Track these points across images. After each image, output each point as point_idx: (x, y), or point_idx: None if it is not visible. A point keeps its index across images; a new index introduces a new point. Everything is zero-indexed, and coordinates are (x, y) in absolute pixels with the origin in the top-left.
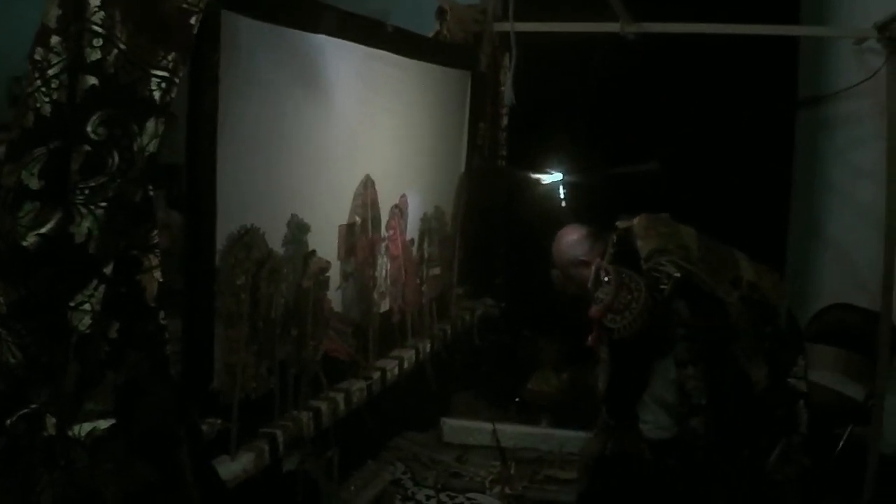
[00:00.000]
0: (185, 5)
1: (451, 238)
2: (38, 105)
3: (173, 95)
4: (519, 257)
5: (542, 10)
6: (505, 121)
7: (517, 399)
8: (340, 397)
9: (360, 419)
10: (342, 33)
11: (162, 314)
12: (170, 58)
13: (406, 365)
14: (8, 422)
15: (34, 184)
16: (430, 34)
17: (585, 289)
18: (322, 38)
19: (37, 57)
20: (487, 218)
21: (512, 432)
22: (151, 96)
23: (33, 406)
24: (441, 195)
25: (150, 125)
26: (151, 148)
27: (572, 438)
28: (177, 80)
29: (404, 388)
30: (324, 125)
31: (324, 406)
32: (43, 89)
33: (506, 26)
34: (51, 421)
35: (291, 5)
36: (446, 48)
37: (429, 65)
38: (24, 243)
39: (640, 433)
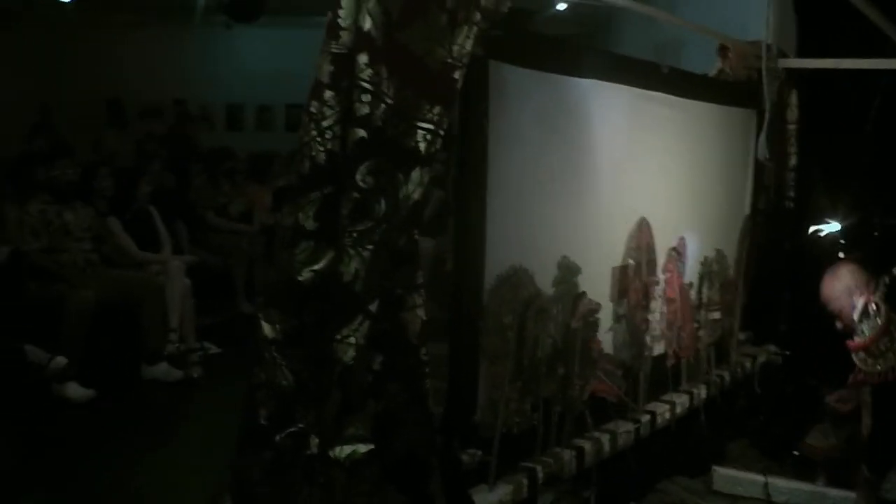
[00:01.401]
0: (449, 60)
1: (732, 282)
2: (313, 153)
3: (438, 146)
4: (806, 304)
5: (828, 46)
6: (793, 161)
7: (794, 453)
8: (606, 438)
9: (626, 461)
10: (613, 76)
11: (423, 350)
12: (435, 111)
13: (678, 409)
14: (277, 438)
15: (309, 225)
16: (713, 72)
17: (849, 323)
18: (591, 82)
19: (312, 109)
20: (773, 262)
21: (785, 487)
22: (417, 147)
23: (300, 426)
24: (723, 238)
25: (416, 174)
26: (416, 196)
27: (850, 500)
28: (442, 132)
29: (676, 432)
30: (594, 168)
31: (587, 445)
32: (318, 139)
33: (790, 63)
34: (314, 441)
35: (559, 52)
36: (727, 87)
37: (709, 104)
38: (300, 278)
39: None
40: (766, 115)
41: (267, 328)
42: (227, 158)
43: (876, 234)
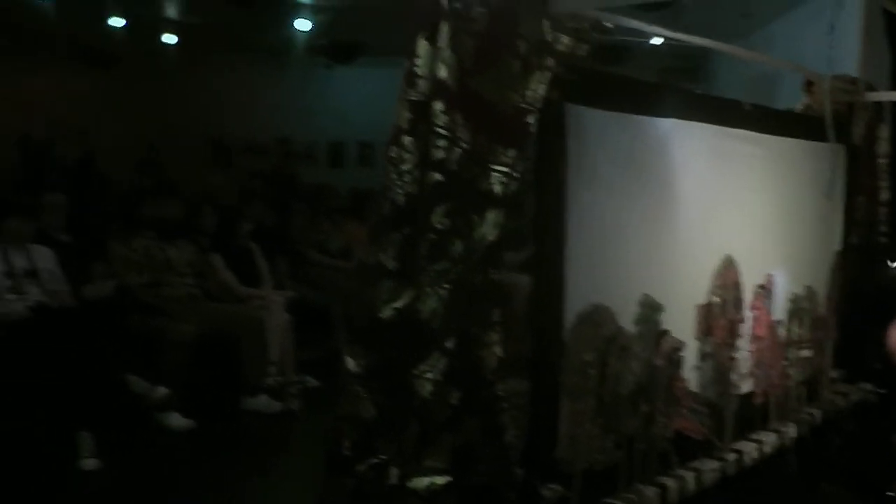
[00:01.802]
0: (522, 105)
1: (823, 319)
2: (393, 196)
3: (513, 189)
4: None
5: None
6: (885, 195)
7: (889, 494)
8: (690, 476)
9: (712, 500)
10: (694, 115)
11: (500, 386)
12: (509, 154)
13: (766, 448)
14: (359, 468)
15: (391, 264)
16: (799, 107)
17: None
18: (672, 121)
19: (392, 154)
20: (867, 299)
21: None
22: (491, 190)
23: (381, 457)
24: (813, 274)
25: (491, 216)
26: (491, 237)
27: None
28: (516, 175)
29: (766, 471)
30: (677, 206)
31: (671, 483)
32: (397, 182)
33: (880, 96)
34: (394, 472)
35: (637, 93)
36: (813, 122)
37: (795, 140)
38: (381, 315)
39: None
40: (833, 150)
41: (351, 362)
42: (327, 195)
43: None
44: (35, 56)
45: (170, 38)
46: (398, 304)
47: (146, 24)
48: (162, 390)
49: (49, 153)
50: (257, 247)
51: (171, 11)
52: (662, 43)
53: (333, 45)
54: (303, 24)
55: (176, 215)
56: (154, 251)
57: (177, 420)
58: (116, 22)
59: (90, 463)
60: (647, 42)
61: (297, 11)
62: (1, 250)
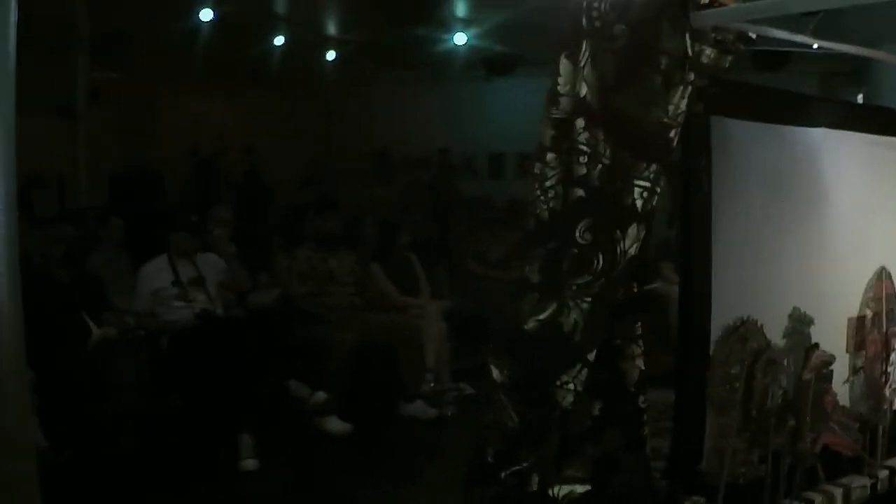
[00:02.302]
0: (665, 120)
1: None
2: (537, 211)
3: (654, 203)
4: None
5: None
6: None
7: None
8: (838, 492)
9: None
10: (844, 124)
11: (641, 398)
12: (651, 169)
13: None
14: (502, 475)
15: (534, 277)
16: None
17: None
18: (822, 131)
19: (536, 171)
20: None
21: None
22: (633, 204)
23: (524, 464)
24: None
25: (632, 230)
26: (633, 251)
27: None
28: (658, 189)
29: None
30: (828, 218)
31: (818, 498)
32: (542, 198)
33: None
34: (535, 479)
35: (782, 103)
36: None
37: None
38: (526, 327)
39: None
40: None
41: (496, 372)
42: (486, 206)
43: None
44: (201, 76)
45: (331, 56)
46: (542, 316)
47: (308, 42)
48: (321, 395)
49: (217, 169)
50: (416, 257)
51: (332, 30)
52: (818, 47)
53: (491, 58)
54: (460, 38)
55: (336, 227)
56: (316, 262)
57: (335, 424)
58: (278, 41)
59: (250, 463)
60: (810, 48)
61: (455, 26)
62: (168, 260)
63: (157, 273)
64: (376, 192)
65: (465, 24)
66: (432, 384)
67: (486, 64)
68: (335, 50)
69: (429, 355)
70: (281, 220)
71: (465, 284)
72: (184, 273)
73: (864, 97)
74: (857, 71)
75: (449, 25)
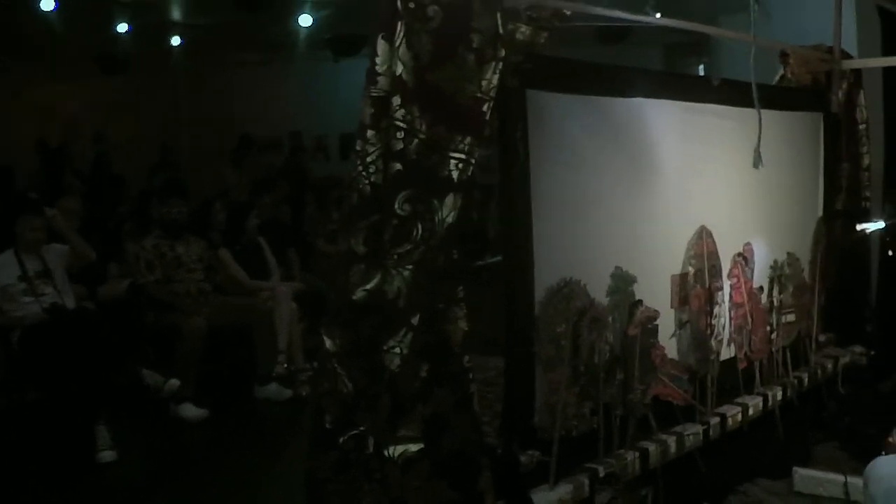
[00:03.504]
0: (478, 94)
1: (807, 284)
2: (360, 186)
3: (470, 173)
4: (894, 303)
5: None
6: (866, 161)
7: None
8: (672, 440)
9: (697, 463)
10: (659, 93)
11: (466, 358)
12: (466, 141)
13: (750, 412)
14: (341, 440)
15: (360, 250)
16: (776, 79)
17: None
18: (639, 100)
19: (358, 147)
20: (855, 263)
21: None
22: (450, 176)
23: (360, 428)
24: (795, 241)
25: (450, 200)
26: (451, 219)
27: None
28: (473, 161)
29: (758, 434)
30: (649, 182)
31: (652, 447)
32: (363, 174)
33: (855, 63)
34: (371, 442)
35: (596, 76)
36: (789, 93)
37: (770, 111)
38: (354, 297)
39: None
40: (759, 123)
41: (328, 343)
42: (336, 187)
43: None
44: (46, 64)
45: (177, 41)
46: (368, 286)
47: (152, 28)
48: (174, 382)
49: (64, 158)
50: (265, 240)
51: (176, 14)
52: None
53: (337, 39)
54: (305, 20)
55: (183, 214)
56: (164, 249)
57: (190, 410)
58: (122, 27)
59: (108, 455)
60: (649, 23)
61: (300, 8)
62: (15, 254)
63: (2, 268)
64: (227, 177)
65: (311, 5)
66: (286, 365)
67: (333, 45)
68: (182, 34)
69: (281, 337)
70: (129, 209)
71: (317, 265)
72: (31, 267)
73: (704, 68)
74: (698, 43)
75: (295, 7)
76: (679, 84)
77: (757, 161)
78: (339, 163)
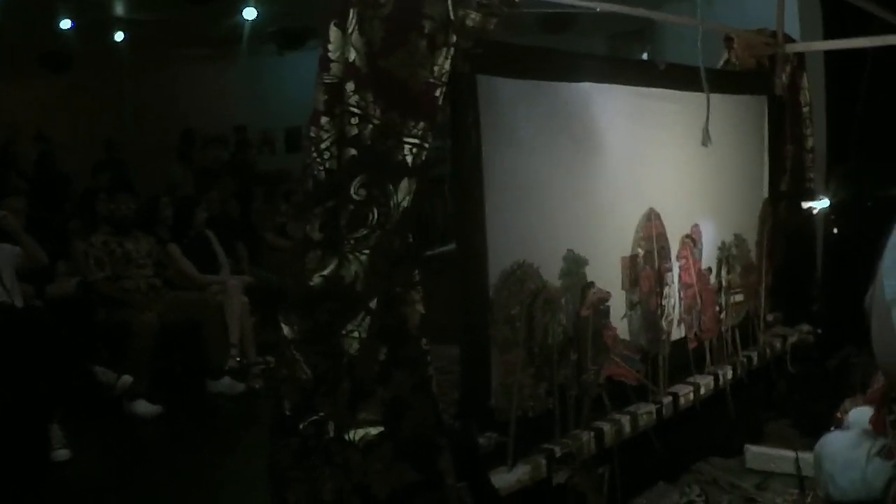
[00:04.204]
0: (431, 80)
1: (754, 265)
2: (314, 173)
3: (424, 157)
4: (839, 282)
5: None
6: (810, 142)
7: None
8: (626, 419)
9: (651, 442)
10: (607, 78)
11: (424, 341)
12: (419, 126)
13: (702, 391)
14: (301, 426)
15: (316, 236)
16: (720, 63)
17: None
18: (588, 84)
19: (311, 134)
20: (801, 243)
21: None
22: (404, 160)
23: (320, 414)
24: (742, 222)
25: (404, 184)
26: (406, 203)
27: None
28: (426, 145)
29: (709, 413)
30: (599, 165)
31: (607, 427)
32: (318, 160)
33: (798, 47)
34: (332, 426)
35: (546, 61)
36: (733, 76)
37: (715, 95)
38: (311, 283)
39: None
40: (708, 102)
41: (286, 329)
42: (284, 180)
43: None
44: None
45: (120, 37)
46: (325, 272)
47: (95, 24)
48: (127, 379)
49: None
50: (214, 234)
51: (120, 10)
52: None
53: (282, 32)
54: (250, 14)
55: (131, 210)
56: (112, 245)
57: (144, 407)
58: (65, 24)
59: (62, 454)
60: (595, 9)
61: (244, 1)
62: None
63: None
64: (174, 172)
65: None
66: (238, 359)
67: (278, 38)
68: (127, 30)
69: (233, 331)
70: (76, 207)
71: (266, 258)
72: None
73: (648, 56)
74: (642, 31)
75: (240, 1)
76: (627, 69)
77: (706, 139)
78: (286, 156)
